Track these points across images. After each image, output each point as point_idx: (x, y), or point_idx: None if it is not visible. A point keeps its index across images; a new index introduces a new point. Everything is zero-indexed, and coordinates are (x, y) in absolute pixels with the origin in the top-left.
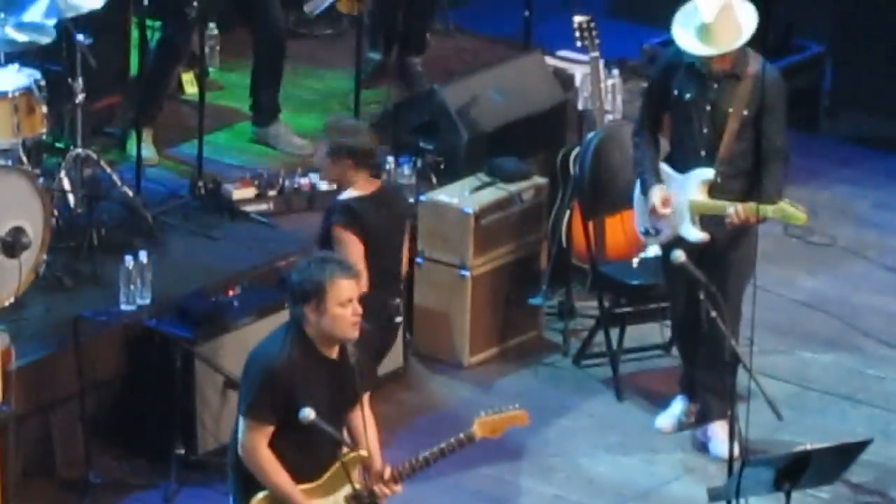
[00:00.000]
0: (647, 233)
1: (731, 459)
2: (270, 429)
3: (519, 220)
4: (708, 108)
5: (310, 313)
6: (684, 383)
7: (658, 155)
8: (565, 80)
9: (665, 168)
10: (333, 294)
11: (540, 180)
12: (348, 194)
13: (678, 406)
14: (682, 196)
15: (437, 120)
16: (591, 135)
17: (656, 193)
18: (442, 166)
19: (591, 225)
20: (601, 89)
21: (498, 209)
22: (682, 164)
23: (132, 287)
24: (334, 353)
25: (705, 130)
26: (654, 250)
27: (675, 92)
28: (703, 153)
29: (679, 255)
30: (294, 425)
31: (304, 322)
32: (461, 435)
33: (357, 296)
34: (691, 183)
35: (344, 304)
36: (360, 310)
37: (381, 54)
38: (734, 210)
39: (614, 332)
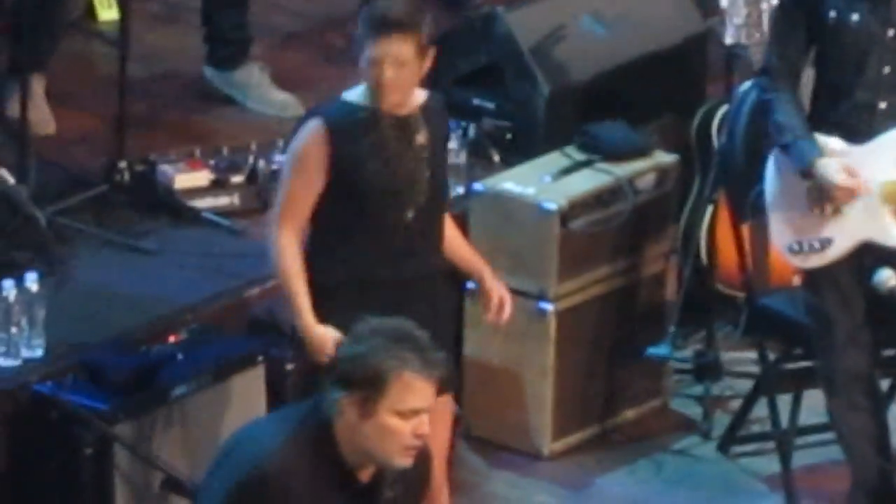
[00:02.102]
0: (801, 249)
1: None
2: None
3: (630, 223)
4: (892, 33)
5: (349, 408)
6: (857, 497)
7: (806, 116)
8: None
9: (824, 138)
10: (396, 394)
11: (665, 159)
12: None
13: None
14: (867, 179)
15: (500, 64)
16: (746, 85)
17: (831, 165)
18: (508, 137)
19: (746, 231)
20: (762, 12)
21: (598, 206)
22: (849, 129)
23: (13, 331)
24: (366, 476)
25: (886, 70)
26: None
27: (832, 13)
28: (883, 106)
29: (888, 277)
30: None
31: (335, 417)
32: None
33: (429, 408)
34: (881, 156)
35: (405, 416)
36: (426, 429)
37: None
38: None
39: (784, 401)
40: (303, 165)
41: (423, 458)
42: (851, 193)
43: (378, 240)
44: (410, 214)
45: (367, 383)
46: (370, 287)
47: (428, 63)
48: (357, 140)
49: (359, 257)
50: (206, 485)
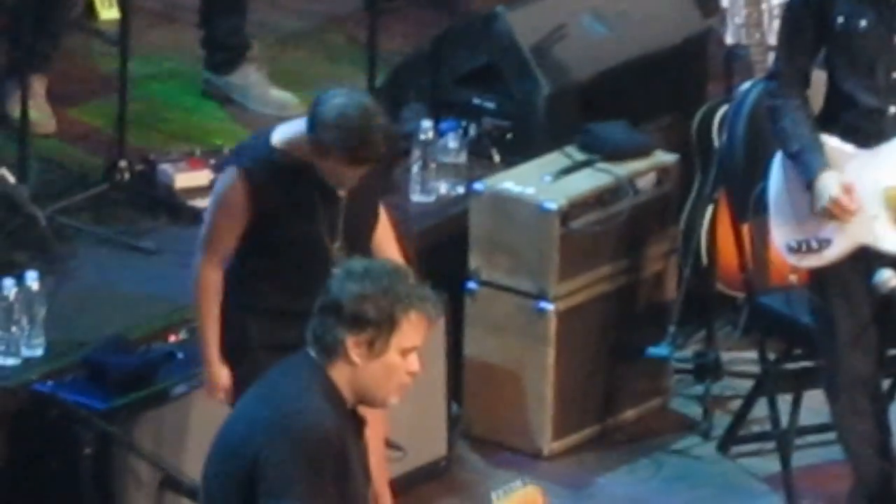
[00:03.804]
0: (799, 248)
1: None
2: None
3: (631, 223)
4: None
5: (356, 349)
6: (857, 499)
7: (814, 123)
8: None
9: (833, 142)
10: (404, 333)
11: (665, 158)
12: None
13: None
14: (871, 184)
15: (500, 63)
16: (746, 85)
17: (832, 181)
18: (508, 136)
19: (746, 230)
20: (763, 12)
21: (598, 204)
22: (856, 133)
23: (14, 330)
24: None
25: (895, 76)
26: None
27: (839, 19)
28: (892, 111)
29: (888, 278)
30: None
31: (337, 356)
32: None
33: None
34: (887, 161)
35: (406, 353)
36: (417, 366)
37: None
38: None
39: (784, 401)
40: (223, 211)
41: None
42: (845, 213)
43: (297, 275)
44: (332, 254)
45: (379, 322)
46: (288, 317)
47: None
48: (278, 196)
49: (277, 290)
50: (273, 461)
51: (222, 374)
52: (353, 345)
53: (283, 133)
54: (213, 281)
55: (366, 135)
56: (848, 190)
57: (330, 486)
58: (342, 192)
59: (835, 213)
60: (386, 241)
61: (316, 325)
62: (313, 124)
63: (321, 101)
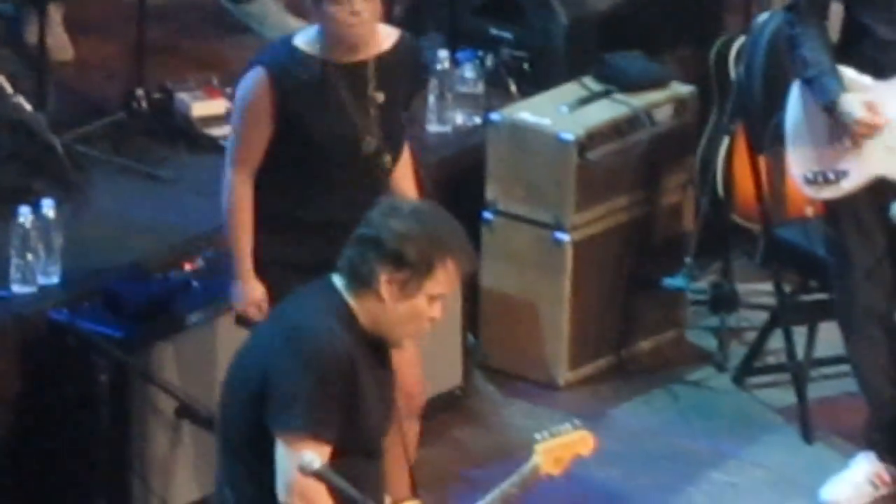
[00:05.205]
0: (816, 179)
1: None
2: (328, 451)
3: (648, 154)
4: None
5: (388, 286)
6: (873, 433)
7: (833, 52)
8: None
9: (851, 73)
10: (437, 280)
11: (682, 90)
12: None
13: (861, 468)
14: (890, 115)
15: None
16: (763, 16)
17: (854, 102)
18: (526, 66)
19: (763, 162)
20: None
21: (615, 135)
22: (872, 65)
23: (30, 258)
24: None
25: None
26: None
27: None
28: None
29: None
30: (352, 445)
31: (366, 288)
32: (524, 470)
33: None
34: None
35: (433, 300)
36: (440, 314)
37: None
38: None
39: (800, 333)
40: (250, 115)
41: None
42: (872, 129)
43: (324, 184)
44: (358, 163)
45: (417, 265)
46: (316, 227)
47: None
48: (304, 93)
49: (305, 199)
50: (280, 381)
51: (256, 290)
52: (386, 281)
53: (305, 34)
54: (244, 195)
55: None
56: (871, 108)
57: (337, 405)
58: (372, 91)
59: (862, 132)
60: (404, 175)
61: (353, 254)
62: None
63: None
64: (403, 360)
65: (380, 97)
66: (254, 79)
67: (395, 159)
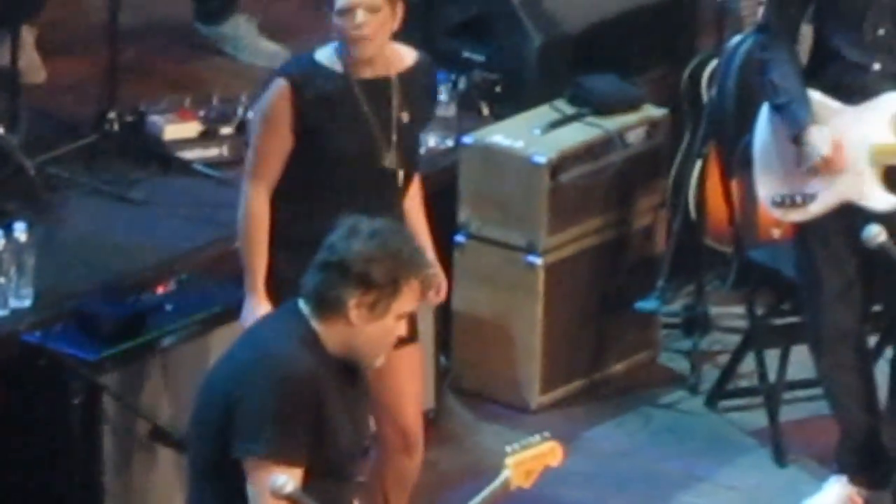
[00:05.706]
0: (784, 202)
1: None
2: (300, 474)
3: (620, 176)
4: None
5: (356, 310)
6: (844, 455)
7: (803, 77)
8: None
9: (819, 97)
10: (405, 298)
11: (655, 112)
12: None
13: (834, 491)
14: (856, 140)
15: (490, 15)
16: (736, 39)
17: (819, 136)
18: (498, 89)
19: (735, 185)
20: None
21: (588, 158)
22: (840, 89)
23: (2, 280)
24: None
25: (881, 32)
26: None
27: None
28: (877, 67)
29: (877, 233)
30: (323, 468)
31: (334, 314)
32: (495, 485)
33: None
34: (873, 117)
35: (400, 318)
36: (403, 331)
37: None
38: None
39: (772, 356)
40: (271, 125)
41: None
42: (833, 168)
43: (339, 202)
44: (374, 180)
45: (384, 286)
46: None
47: (399, 15)
48: (325, 105)
49: (320, 216)
50: (244, 406)
51: (261, 308)
52: (354, 305)
53: (326, 49)
54: (261, 210)
55: None
56: (837, 147)
57: (303, 429)
58: (398, 110)
59: (824, 169)
60: (412, 197)
61: (318, 281)
62: None
63: None
64: (405, 396)
65: (406, 117)
66: (274, 89)
67: (409, 178)
